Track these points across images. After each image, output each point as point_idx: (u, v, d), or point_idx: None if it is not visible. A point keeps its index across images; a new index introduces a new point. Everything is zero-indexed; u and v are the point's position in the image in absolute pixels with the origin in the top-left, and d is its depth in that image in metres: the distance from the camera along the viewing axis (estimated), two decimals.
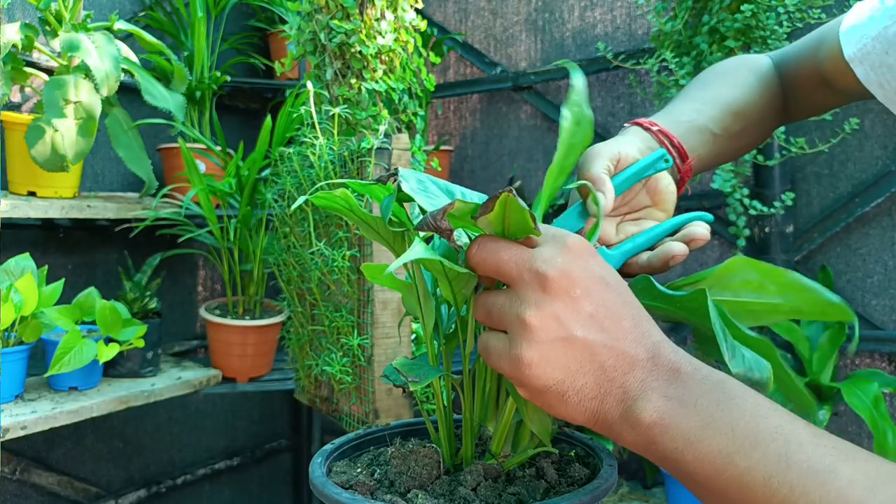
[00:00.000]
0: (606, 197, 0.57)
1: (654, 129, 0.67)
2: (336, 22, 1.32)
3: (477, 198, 0.55)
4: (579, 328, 0.41)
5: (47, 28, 1.47)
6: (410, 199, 0.53)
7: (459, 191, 0.56)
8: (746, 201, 1.58)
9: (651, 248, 0.58)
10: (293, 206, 0.53)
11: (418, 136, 1.46)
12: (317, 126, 1.28)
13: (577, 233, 0.57)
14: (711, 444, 0.38)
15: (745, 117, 0.73)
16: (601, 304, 0.42)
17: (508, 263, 0.43)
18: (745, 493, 0.37)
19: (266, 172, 1.56)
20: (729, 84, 0.75)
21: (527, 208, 0.42)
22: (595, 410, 0.42)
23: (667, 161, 0.62)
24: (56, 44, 1.42)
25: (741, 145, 0.76)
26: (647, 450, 0.41)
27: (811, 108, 0.79)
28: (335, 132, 1.28)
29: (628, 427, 0.41)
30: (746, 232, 1.60)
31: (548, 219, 0.56)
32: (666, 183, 0.64)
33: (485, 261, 0.44)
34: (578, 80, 0.55)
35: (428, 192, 0.53)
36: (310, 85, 1.29)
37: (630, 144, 0.63)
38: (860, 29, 0.67)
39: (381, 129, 1.24)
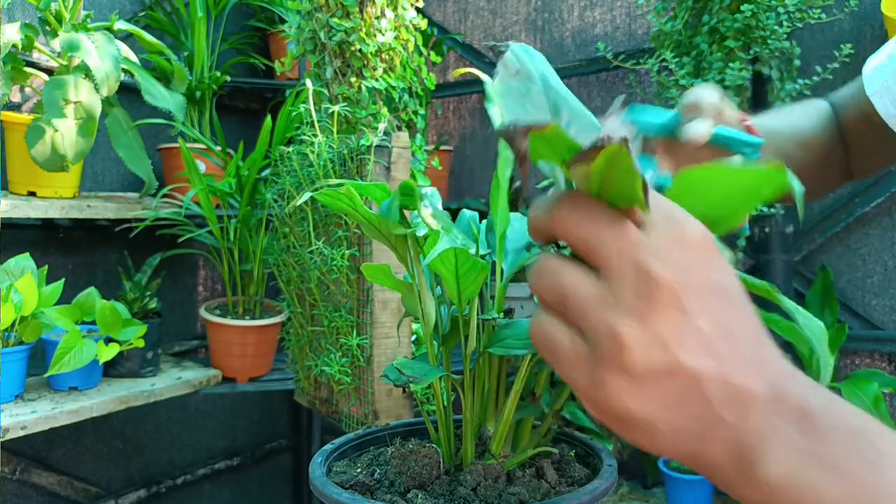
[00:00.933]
0: (707, 128, 0.56)
1: (745, 123, 0.65)
2: (336, 20, 1.32)
3: (587, 135, 0.39)
4: (688, 354, 0.32)
5: (47, 28, 1.46)
6: (414, 205, 0.53)
7: (569, 111, 0.43)
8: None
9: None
10: (296, 202, 0.54)
11: (419, 136, 1.46)
12: (316, 124, 1.28)
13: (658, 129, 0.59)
14: None
15: (809, 148, 0.72)
16: (718, 322, 0.33)
17: (607, 243, 0.33)
18: None
19: (266, 172, 1.56)
20: (795, 114, 0.76)
21: (640, 172, 0.31)
22: (695, 452, 0.33)
23: (755, 153, 0.60)
24: (56, 44, 1.42)
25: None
26: (747, 498, 0.33)
27: (867, 154, 0.77)
28: (335, 130, 1.28)
29: (741, 478, 0.33)
30: (746, 232, 1.60)
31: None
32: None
33: (577, 226, 0.34)
34: (487, 79, 0.57)
35: (525, 98, 0.42)
36: (309, 83, 1.29)
37: (732, 111, 0.62)
38: (882, 68, 0.72)
39: (381, 127, 1.24)
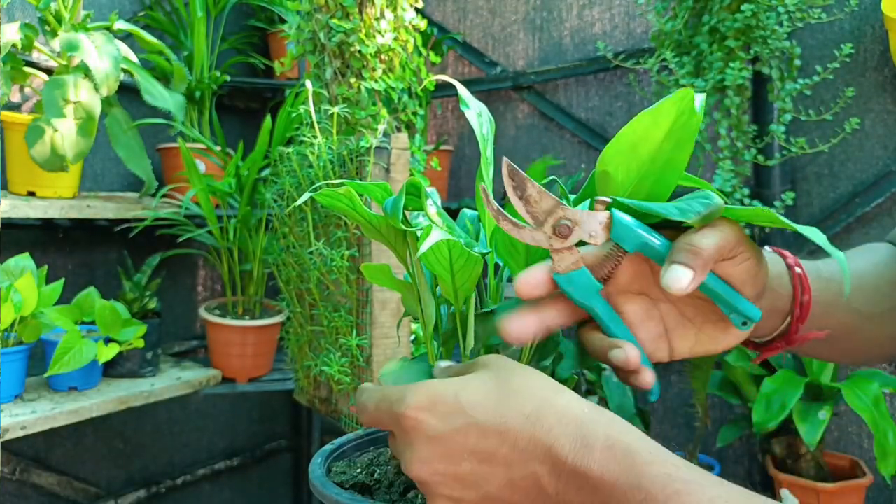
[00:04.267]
0: (691, 284, 0.44)
1: (797, 271, 0.53)
2: (335, 21, 1.32)
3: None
4: (468, 494, 0.41)
5: (47, 28, 1.46)
6: (418, 204, 0.53)
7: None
8: (747, 201, 1.58)
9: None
10: (296, 203, 0.53)
11: (418, 136, 1.46)
12: (316, 125, 1.27)
13: (620, 250, 0.48)
14: None
15: (883, 295, 0.58)
16: (466, 456, 0.41)
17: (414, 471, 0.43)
18: None
19: (266, 172, 1.56)
20: (858, 258, 0.61)
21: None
22: None
23: (745, 324, 0.47)
24: (56, 44, 1.42)
25: (877, 336, 0.59)
26: None
27: None
28: (334, 131, 1.28)
29: None
30: (747, 232, 1.60)
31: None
32: (736, 333, 0.49)
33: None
34: (459, 85, 0.57)
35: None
36: (309, 84, 1.29)
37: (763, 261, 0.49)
38: None
39: (381, 128, 1.24)
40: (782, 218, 0.45)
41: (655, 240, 0.46)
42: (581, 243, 0.47)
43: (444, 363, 0.50)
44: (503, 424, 0.40)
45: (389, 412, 0.43)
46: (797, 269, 0.54)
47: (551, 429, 0.40)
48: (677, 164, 0.49)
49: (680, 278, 0.43)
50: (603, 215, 0.46)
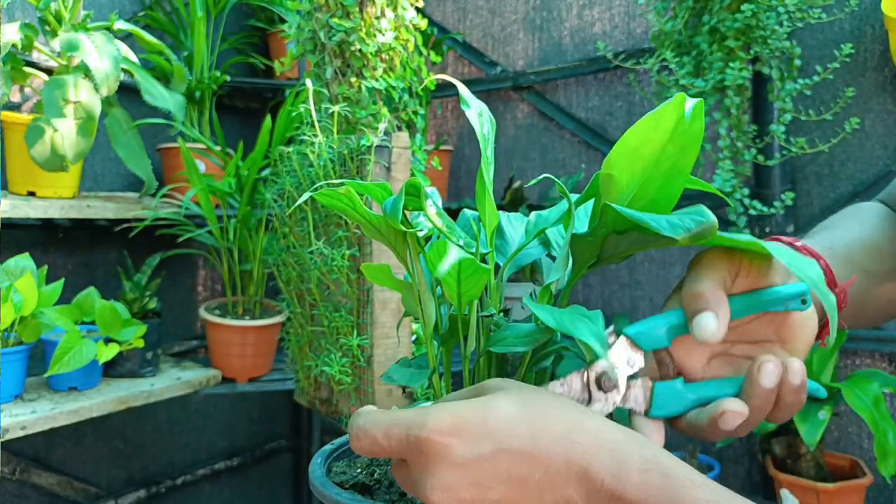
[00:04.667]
0: (719, 322, 0.44)
1: (798, 244, 0.54)
2: (336, 20, 1.32)
3: None
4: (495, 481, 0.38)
5: (47, 28, 1.46)
6: (417, 204, 0.53)
7: None
8: (746, 201, 1.58)
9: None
10: (297, 203, 0.53)
11: (418, 136, 1.46)
12: (316, 124, 1.27)
13: (661, 351, 0.49)
14: None
15: (884, 255, 0.61)
16: (494, 482, 0.38)
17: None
18: None
19: (266, 172, 1.56)
20: (847, 221, 0.64)
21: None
22: None
23: (804, 302, 0.47)
24: (56, 44, 1.42)
25: (884, 296, 0.61)
26: None
27: None
28: (335, 130, 1.28)
29: None
30: (747, 232, 1.60)
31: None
32: (802, 317, 0.48)
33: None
34: (460, 84, 0.57)
35: None
36: (309, 83, 1.29)
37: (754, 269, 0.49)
38: None
39: (381, 127, 1.24)
40: (774, 251, 0.44)
41: (694, 393, 0.47)
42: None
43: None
44: (535, 448, 0.38)
45: (404, 437, 0.40)
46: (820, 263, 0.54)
47: (586, 451, 0.38)
48: (682, 168, 0.49)
49: (705, 326, 0.44)
50: (647, 385, 0.47)
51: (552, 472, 0.38)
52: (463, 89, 0.58)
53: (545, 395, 0.42)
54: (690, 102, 0.46)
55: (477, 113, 0.57)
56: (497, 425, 0.38)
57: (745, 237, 0.46)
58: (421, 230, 0.55)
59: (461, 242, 0.51)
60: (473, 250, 0.53)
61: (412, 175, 1.24)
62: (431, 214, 0.51)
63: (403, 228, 0.51)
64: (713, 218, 0.45)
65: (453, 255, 0.44)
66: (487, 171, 0.55)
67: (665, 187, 0.49)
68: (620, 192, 0.50)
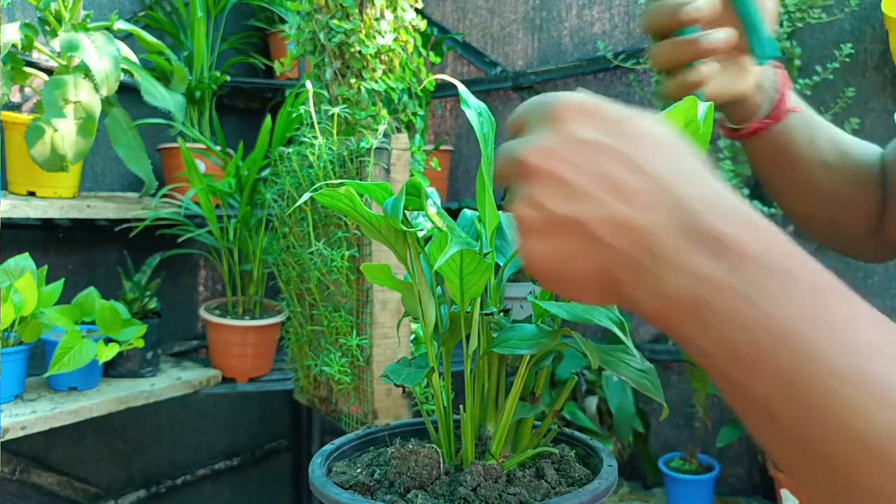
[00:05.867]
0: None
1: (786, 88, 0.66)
2: (336, 21, 1.32)
3: None
4: (561, 206, 0.35)
5: (47, 28, 1.46)
6: (418, 205, 0.53)
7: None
8: (747, 201, 1.58)
9: None
10: (297, 203, 0.54)
11: (418, 136, 1.46)
12: (316, 126, 1.28)
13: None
14: (759, 332, 0.30)
15: (845, 161, 0.68)
16: (590, 171, 0.35)
17: (500, 163, 0.39)
18: (798, 398, 0.29)
19: (266, 172, 1.56)
20: (845, 134, 0.72)
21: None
22: (613, 291, 0.35)
23: (762, 60, 0.60)
24: (56, 44, 1.42)
25: (824, 193, 0.69)
26: (671, 331, 0.34)
27: None
28: (334, 132, 1.28)
29: (652, 307, 0.34)
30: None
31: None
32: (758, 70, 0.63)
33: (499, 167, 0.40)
34: (460, 84, 0.58)
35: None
36: (309, 85, 1.29)
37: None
38: None
39: (381, 128, 1.24)
40: None
41: None
42: None
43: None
44: (655, 164, 0.34)
45: (542, 102, 0.38)
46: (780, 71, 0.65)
47: (708, 201, 0.34)
48: None
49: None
50: None
51: (655, 190, 0.34)
52: (462, 89, 0.58)
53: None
54: (703, 105, 0.46)
55: (476, 112, 0.57)
56: (628, 124, 0.36)
57: None
58: (421, 230, 0.55)
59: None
60: (476, 249, 0.53)
61: (412, 176, 1.24)
62: (432, 214, 0.51)
63: (404, 228, 0.51)
64: None
65: (454, 246, 0.44)
66: (488, 170, 0.55)
67: None
68: None
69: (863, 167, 0.70)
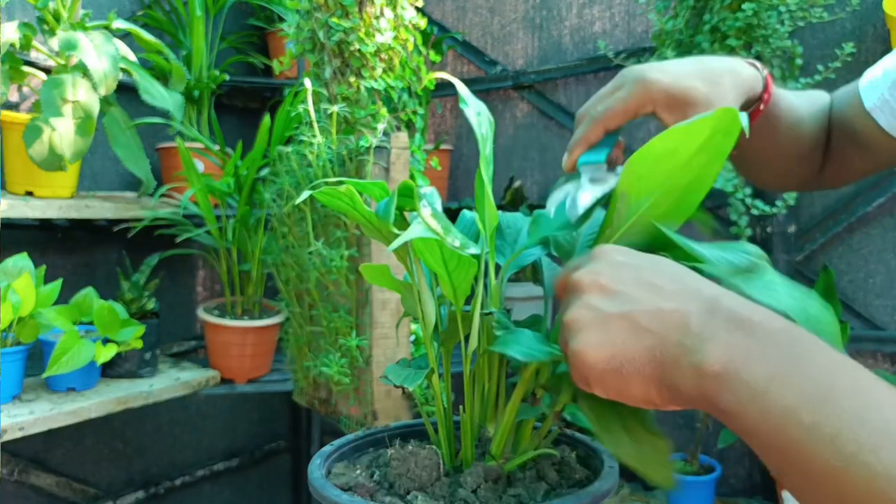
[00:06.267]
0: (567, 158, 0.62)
1: (764, 73, 0.67)
2: (335, 20, 1.31)
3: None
4: (611, 307, 0.43)
5: (45, 27, 1.46)
6: (412, 205, 0.53)
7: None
8: (748, 201, 1.57)
9: None
10: (296, 201, 0.53)
11: (418, 135, 1.46)
12: (315, 125, 1.27)
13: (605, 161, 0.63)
14: (777, 398, 0.36)
15: (803, 130, 0.74)
16: (629, 281, 0.44)
17: (557, 286, 0.49)
18: (808, 449, 0.34)
19: (264, 172, 1.56)
20: (803, 97, 0.76)
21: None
22: (657, 375, 0.41)
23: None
24: (54, 43, 1.42)
25: (784, 149, 0.74)
26: (711, 405, 0.39)
27: (843, 160, 0.78)
28: (334, 131, 1.27)
29: (692, 385, 0.39)
30: (748, 232, 1.59)
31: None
32: None
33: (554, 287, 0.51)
34: (459, 83, 0.61)
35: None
36: (308, 83, 1.28)
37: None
38: (877, 81, 0.74)
39: (380, 127, 1.24)
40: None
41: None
42: None
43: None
44: (678, 273, 0.45)
45: (585, 259, 0.48)
46: (764, 72, 0.68)
47: (722, 292, 0.43)
48: (704, 182, 0.48)
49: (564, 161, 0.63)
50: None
51: (683, 288, 0.43)
52: (462, 88, 0.57)
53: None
54: (744, 118, 0.46)
55: (475, 112, 0.57)
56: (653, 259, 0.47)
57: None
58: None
59: (456, 243, 0.51)
60: (472, 251, 0.52)
61: (411, 175, 1.24)
62: (426, 216, 0.50)
63: (395, 231, 0.50)
64: (761, 252, 0.48)
65: (415, 230, 0.45)
66: (486, 170, 0.55)
67: (684, 199, 0.49)
68: (638, 197, 0.49)
69: (818, 125, 0.77)
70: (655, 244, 0.49)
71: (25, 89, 1.68)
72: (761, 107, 0.68)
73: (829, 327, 0.44)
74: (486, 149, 0.56)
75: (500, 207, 0.58)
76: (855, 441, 0.33)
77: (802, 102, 0.74)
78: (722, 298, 0.42)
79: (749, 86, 0.65)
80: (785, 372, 0.37)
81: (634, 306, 0.43)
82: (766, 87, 0.68)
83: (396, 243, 0.44)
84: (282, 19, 2.01)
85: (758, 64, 0.69)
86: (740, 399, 0.37)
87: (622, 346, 0.42)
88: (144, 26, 1.85)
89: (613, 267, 0.45)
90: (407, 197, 0.53)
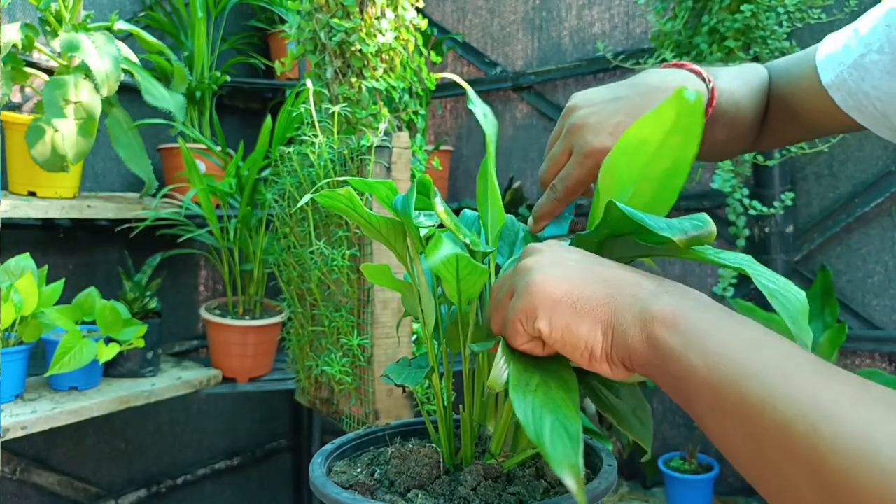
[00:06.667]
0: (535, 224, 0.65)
1: (693, 67, 0.69)
2: (336, 20, 1.32)
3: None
4: (572, 261, 0.47)
5: (47, 28, 1.46)
6: (427, 203, 0.53)
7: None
8: (746, 201, 1.58)
9: None
10: (298, 205, 0.54)
11: (419, 136, 1.46)
12: (317, 125, 1.28)
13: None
14: (715, 340, 0.39)
15: (742, 110, 0.74)
16: (587, 256, 0.48)
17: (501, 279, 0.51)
18: (738, 385, 0.37)
19: (266, 172, 1.56)
20: (743, 76, 0.76)
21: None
22: (609, 316, 0.44)
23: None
24: (56, 44, 1.42)
25: (737, 130, 0.75)
26: (652, 350, 0.41)
27: (781, 128, 0.79)
28: (335, 131, 1.28)
29: (639, 328, 0.42)
30: (746, 232, 1.60)
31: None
32: None
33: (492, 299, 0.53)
34: (468, 86, 0.63)
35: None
36: (309, 83, 1.29)
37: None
38: (836, 57, 0.71)
39: (382, 127, 1.24)
40: (754, 275, 0.48)
41: None
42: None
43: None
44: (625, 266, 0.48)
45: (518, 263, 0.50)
46: (710, 84, 0.69)
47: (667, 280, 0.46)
48: (681, 166, 0.49)
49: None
50: None
51: (631, 270, 0.47)
52: (471, 92, 0.59)
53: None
54: (691, 94, 0.46)
55: (482, 113, 0.58)
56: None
57: (733, 257, 0.47)
58: (423, 229, 0.55)
59: (467, 240, 0.51)
60: (485, 250, 0.53)
61: (413, 175, 1.24)
62: (440, 212, 0.51)
63: (417, 226, 0.51)
64: (713, 225, 0.47)
65: (447, 248, 0.45)
66: (492, 169, 0.56)
67: (664, 186, 0.50)
68: (621, 188, 0.50)
69: (757, 104, 0.76)
70: (628, 228, 0.49)
71: (28, 90, 1.69)
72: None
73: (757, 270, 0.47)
74: (493, 148, 0.57)
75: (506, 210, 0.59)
76: (779, 373, 0.36)
77: (738, 87, 0.74)
78: (668, 280, 0.46)
79: None
80: (724, 323, 0.40)
81: (596, 266, 0.46)
82: (710, 102, 0.68)
83: (433, 263, 0.45)
84: (283, 20, 2.02)
85: (704, 73, 0.69)
86: (685, 339, 0.40)
87: (580, 282, 0.45)
88: (146, 27, 1.85)
89: (566, 246, 0.49)
90: (422, 194, 0.53)
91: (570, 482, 0.38)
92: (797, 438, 0.33)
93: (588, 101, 0.63)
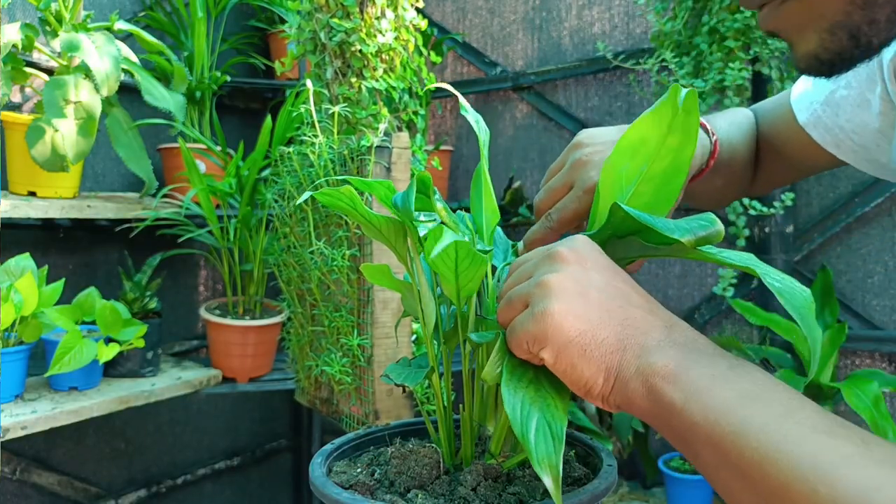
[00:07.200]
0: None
1: (714, 137, 0.68)
2: (336, 21, 1.32)
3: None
4: (595, 291, 0.45)
5: (47, 28, 1.46)
6: (426, 203, 0.53)
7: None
8: (746, 201, 1.58)
9: None
10: (297, 202, 0.54)
11: (419, 136, 1.46)
12: (317, 125, 1.28)
13: None
14: (717, 395, 0.39)
15: (737, 158, 0.74)
16: (611, 281, 0.46)
17: (531, 253, 0.51)
18: (740, 440, 0.37)
19: (266, 172, 1.56)
20: (734, 122, 0.76)
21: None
22: (615, 365, 0.44)
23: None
24: (56, 44, 1.42)
25: (723, 185, 0.75)
26: (655, 405, 0.42)
27: (774, 170, 0.79)
28: (335, 131, 1.28)
29: (641, 382, 0.42)
30: (746, 232, 1.60)
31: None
32: None
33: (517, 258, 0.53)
34: (459, 94, 0.62)
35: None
36: (309, 83, 1.29)
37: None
38: (808, 95, 0.72)
39: (382, 127, 1.24)
40: (763, 275, 0.47)
41: None
42: None
43: None
44: (642, 291, 0.48)
45: (568, 240, 0.49)
46: (714, 137, 0.69)
47: (677, 318, 0.47)
48: (680, 165, 0.49)
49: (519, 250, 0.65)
50: None
51: (648, 300, 0.47)
52: (462, 100, 0.60)
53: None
54: (683, 91, 0.47)
55: (474, 120, 0.58)
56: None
57: (739, 256, 0.47)
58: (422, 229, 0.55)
59: (466, 238, 0.51)
60: (482, 248, 0.53)
61: (412, 175, 1.24)
62: (440, 209, 0.51)
63: (416, 223, 0.51)
64: (720, 225, 0.47)
65: (448, 237, 0.45)
66: (487, 175, 0.56)
67: (664, 185, 0.50)
68: (622, 188, 0.50)
69: (749, 148, 0.77)
70: (633, 229, 0.49)
71: (28, 90, 1.69)
72: (705, 169, 0.69)
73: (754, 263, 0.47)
74: (486, 151, 0.57)
75: (499, 208, 0.59)
76: (781, 433, 0.36)
77: (734, 132, 0.74)
78: (680, 323, 0.46)
79: (697, 156, 0.66)
80: (725, 376, 0.41)
81: (616, 301, 0.45)
82: (713, 154, 0.68)
83: (435, 252, 0.45)
84: (283, 20, 2.02)
85: (708, 126, 0.69)
86: (686, 395, 0.40)
87: (598, 324, 0.44)
88: (146, 27, 1.85)
89: (596, 254, 0.48)
90: (422, 193, 0.53)
91: (549, 481, 0.39)
92: (797, 500, 0.34)
93: (594, 140, 0.63)
